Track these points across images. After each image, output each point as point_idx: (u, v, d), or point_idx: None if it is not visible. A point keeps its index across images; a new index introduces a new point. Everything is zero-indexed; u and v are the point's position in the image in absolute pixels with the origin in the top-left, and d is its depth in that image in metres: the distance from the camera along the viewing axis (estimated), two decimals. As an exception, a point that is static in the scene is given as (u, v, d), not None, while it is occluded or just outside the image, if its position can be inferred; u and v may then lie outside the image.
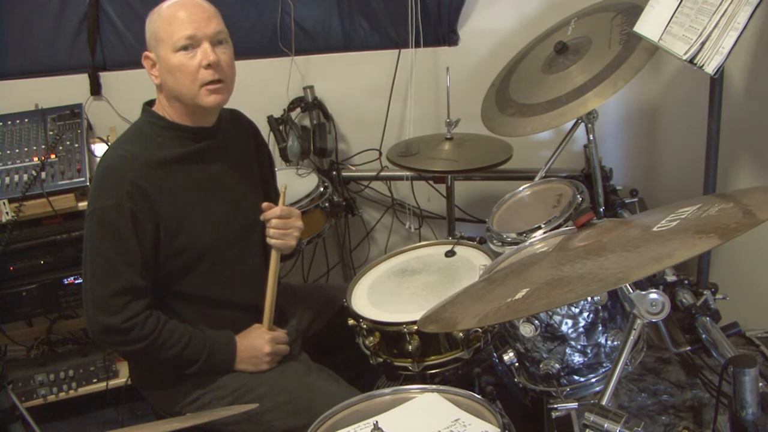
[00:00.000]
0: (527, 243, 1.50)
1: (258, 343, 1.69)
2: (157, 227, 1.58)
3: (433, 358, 1.65)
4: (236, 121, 1.82)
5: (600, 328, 1.28)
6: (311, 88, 2.64)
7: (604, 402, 1.05)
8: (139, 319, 1.54)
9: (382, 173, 2.71)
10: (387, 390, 1.41)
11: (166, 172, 1.60)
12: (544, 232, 1.67)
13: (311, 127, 2.61)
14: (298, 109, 2.67)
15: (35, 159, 2.32)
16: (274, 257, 1.74)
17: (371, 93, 2.74)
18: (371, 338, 1.68)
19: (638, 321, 1.06)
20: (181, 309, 1.66)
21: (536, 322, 1.27)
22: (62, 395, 2.45)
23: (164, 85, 1.61)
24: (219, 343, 1.66)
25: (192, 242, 1.63)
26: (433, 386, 1.39)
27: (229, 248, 1.69)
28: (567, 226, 1.62)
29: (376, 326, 1.67)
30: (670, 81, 2.53)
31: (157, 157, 1.60)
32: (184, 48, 1.55)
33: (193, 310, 1.67)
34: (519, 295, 1.04)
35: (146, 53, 1.61)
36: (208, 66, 1.56)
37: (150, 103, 1.69)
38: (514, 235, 1.76)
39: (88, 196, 1.65)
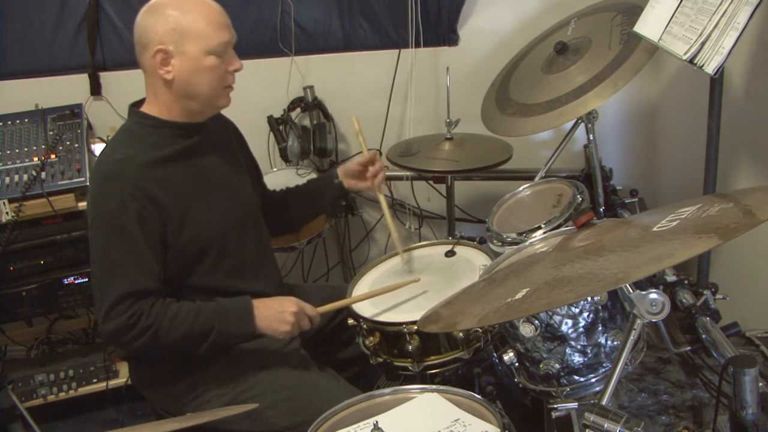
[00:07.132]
0: (527, 243, 1.50)
1: (283, 301, 1.67)
2: (164, 225, 1.58)
3: (433, 358, 1.64)
4: (214, 116, 1.81)
5: (600, 328, 1.28)
6: (311, 88, 2.64)
7: (604, 402, 1.05)
8: (144, 309, 1.54)
9: (382, 173, 2.71)
10: (387, 390, 1.41)
11: (165, 170, 1.61)
12: (544, 232, 1.66)
13: (311, 127, 2.61)
14: (298, 109, 2.68)
15: (35, 159, 2.32)
16: (383, 199, 1.97)
17: (371, 93, 2.74)
18: (371, 338, 1.67)
19: (638, 321, 1.06)
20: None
21: (536, 322, 1.27)
22: (62, 395, 2.46)
23: (180, 82, 1.59)
24: (231, 303, 1.64)
25: (197, 235, 1.63)
26: (433, 386, 1.38)
27: (231, 237, 1.71)
28: (567, 226, 1.62)
29: (376, 326, 1.67)
30: (670, 81, 2.53)
31: (154, 156, 1.60)
32: (219, 53, 1.58)
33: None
34: (519, 295, 1.04)
35: (161, 47, 1.55)
36: (234, 71, 1.64)
37: (136, 105, 1.69)
38: (514, 235, 1.76)
39: (87, 205, 1.62)
